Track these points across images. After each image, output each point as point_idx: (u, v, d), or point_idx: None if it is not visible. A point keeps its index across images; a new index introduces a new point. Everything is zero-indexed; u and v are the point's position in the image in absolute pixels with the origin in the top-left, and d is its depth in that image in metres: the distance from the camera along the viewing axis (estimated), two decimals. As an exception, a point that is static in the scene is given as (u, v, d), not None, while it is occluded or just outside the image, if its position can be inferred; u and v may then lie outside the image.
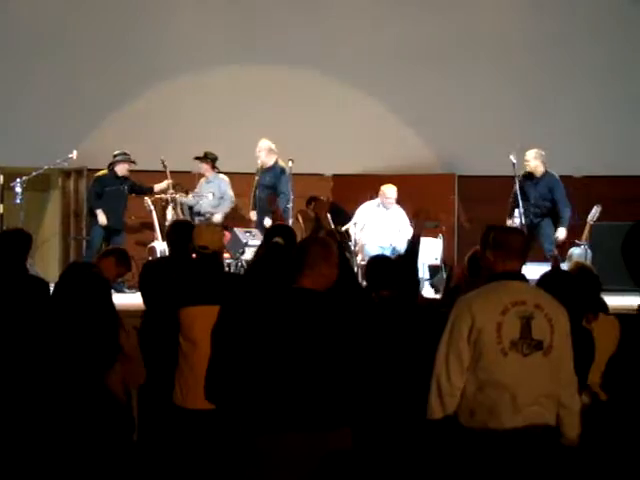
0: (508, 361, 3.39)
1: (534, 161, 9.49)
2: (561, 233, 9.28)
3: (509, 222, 9.25)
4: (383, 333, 4.07)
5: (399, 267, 4.57)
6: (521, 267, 3.55)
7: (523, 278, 3.54)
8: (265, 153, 9.94)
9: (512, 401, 3.39)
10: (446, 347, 3.46)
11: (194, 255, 4.64)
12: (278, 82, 11.46)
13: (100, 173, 10.25)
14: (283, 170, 9.86)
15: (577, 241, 9.37)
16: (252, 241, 9.17)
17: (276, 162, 9.94)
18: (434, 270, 9.62)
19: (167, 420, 4.44)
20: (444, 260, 9.77)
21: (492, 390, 3.40)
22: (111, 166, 10.10)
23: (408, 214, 9.88)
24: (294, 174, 10.05)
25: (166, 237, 5.62)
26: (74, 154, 10.07)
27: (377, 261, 4.64)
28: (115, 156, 10.09)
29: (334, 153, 11.43)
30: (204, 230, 4.67)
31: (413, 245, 5.02)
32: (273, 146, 9.96)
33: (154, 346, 4.55)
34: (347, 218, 10.29)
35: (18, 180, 9.76)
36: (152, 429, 4.63)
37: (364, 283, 4.85)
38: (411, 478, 3.90)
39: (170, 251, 5.39)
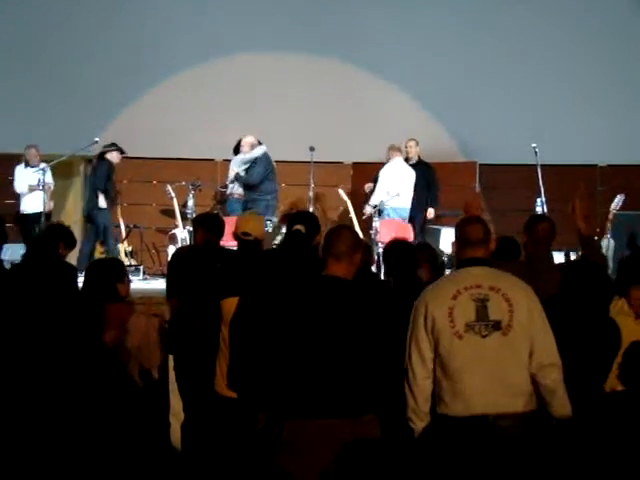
0: (464, 344, 3.41)
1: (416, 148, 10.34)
2: (431, 213, 10.26)
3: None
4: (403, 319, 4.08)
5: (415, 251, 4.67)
6: (484, 254, 3.59)
7: (485, 263, 3.57)
8: (247, 148, 9.96)
9: (473, 386, 3.39)
10: (409, 338, 3.53)
11: (235, 240, 4.69)
12: (298, 70, 11.44)
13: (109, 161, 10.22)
14: (255, 159, 9.85)
15: (599, 230, 9.30)
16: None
17: (260, 155, 9.91)
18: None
19: (210, 408, 4.45)
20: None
21: (451, 375, 3.43)
22: (103, 155, 10.06)
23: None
24: (315, 162, 10.06)
25: (194, 227, 5.65)
26: (97, 141, 10.12)
27: (396, 245, 4.72)
28: (108, 146, 10.07)
29: (354, 141, 11.41)
30: (248, 218, 4.83)
31: None
32: (251, 139, 9.94)
33: (194, 335, 4.57)
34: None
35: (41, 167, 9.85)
36: (196, 418, 4.65)
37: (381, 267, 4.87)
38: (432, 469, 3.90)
39: (197, 241, 5.40)
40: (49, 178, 9.96)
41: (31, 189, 9.88)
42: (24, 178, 9.99)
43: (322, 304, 3.42)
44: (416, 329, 3.50)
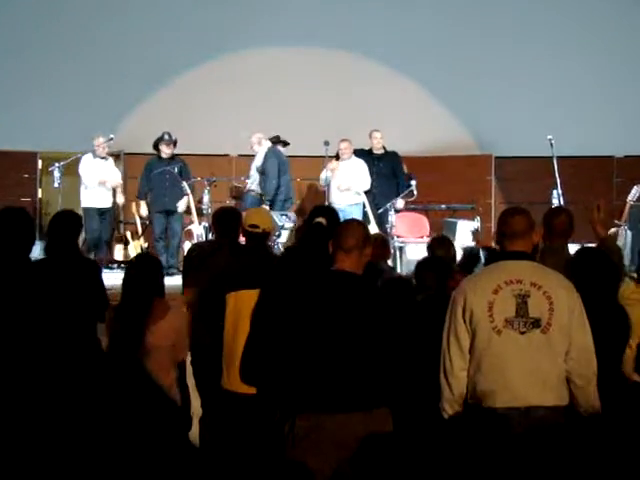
0: (502, 339, 3.40)
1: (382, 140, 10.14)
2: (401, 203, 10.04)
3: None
4: (427, 322, 4.07)
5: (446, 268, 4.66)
6: (525, 247, 3.54)
7: (526, 257, 3.53)
8: (256, 146, 10.03)
9: (508, 379, 3.39)
10: (447, 329, 3.52)
11: (243, 235, 4.70)
12: (313, 65, 11.43)
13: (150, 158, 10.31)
14: (267, 154, 9.89)
15: (616, 221, 9.25)
16: (288, 224, 9.21)
17: (267, 149, 9.97)
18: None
19: (216, 404, 4.45)
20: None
21: (487, 368, 3.42)
22: (157, 149, 10.12)
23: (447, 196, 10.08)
24: (329, 157, 10.06)
25: (213, 222, 5.65)
26: (113, 138, 10.14)
27: (426, 262, 4.74)
28: (158, 138, 10.10)
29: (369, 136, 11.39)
30: (254, 211, 4.93)
31: None
32: (258, 136, 10.00)
33: (213, 329, 4.57)
34: None
35: (56, 165, 9.87)
36: (215, 413, 4.65)
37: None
38: (450, 462, 3.90)
39: (217, 236, 5.41)
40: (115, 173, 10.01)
41: (100, 182, 9.85)
42: (92, 170, 9.85)
43: (330, 298, 3.41)
44: (455, 320, 3.49)
